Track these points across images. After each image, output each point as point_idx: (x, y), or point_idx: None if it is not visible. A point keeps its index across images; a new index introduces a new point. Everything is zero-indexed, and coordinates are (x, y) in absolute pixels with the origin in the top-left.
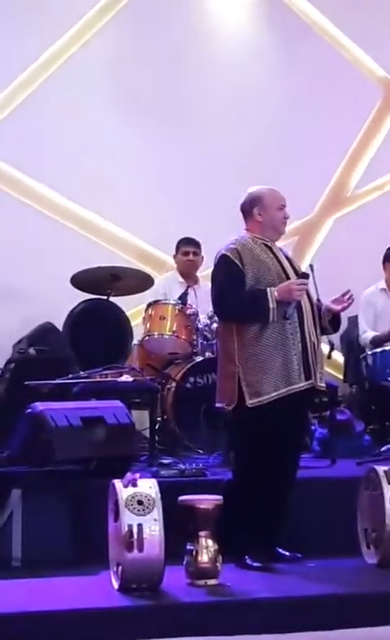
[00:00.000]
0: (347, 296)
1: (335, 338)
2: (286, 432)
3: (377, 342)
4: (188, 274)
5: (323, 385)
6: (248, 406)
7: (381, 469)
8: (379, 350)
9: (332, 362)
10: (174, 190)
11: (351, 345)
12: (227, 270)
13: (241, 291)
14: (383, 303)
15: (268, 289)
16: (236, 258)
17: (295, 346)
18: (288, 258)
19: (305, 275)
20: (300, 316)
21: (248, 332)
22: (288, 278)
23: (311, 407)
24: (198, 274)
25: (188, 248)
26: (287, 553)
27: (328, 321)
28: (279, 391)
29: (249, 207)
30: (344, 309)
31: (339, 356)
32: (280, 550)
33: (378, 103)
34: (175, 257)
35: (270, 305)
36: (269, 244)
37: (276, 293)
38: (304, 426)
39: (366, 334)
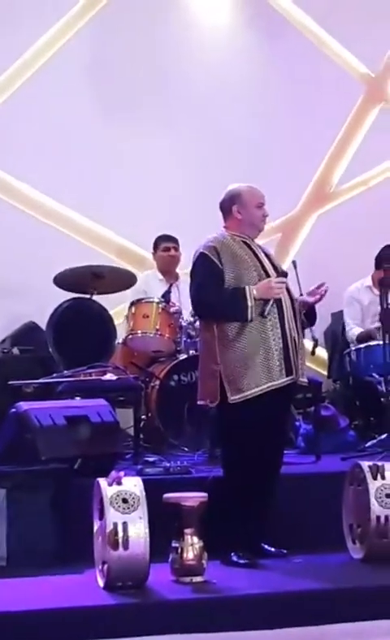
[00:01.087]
0: (322, 289)
1: (319, 334)
2: (269, 427)
3: (364, 339)
4: (168, 271)
5: (305, 380)
6: (230, 403)
7: (365, 464)
8: (362, 346)
9: (316, 358)
10: (155, 187)
11: (335, 341)
12: (206, 269)
13: (220, 289)
14: (369, 300)
15: (247, 287)
16: (215, 256)
17: (275, 342)
18: (267, 255)
19: (284, 274)
20: (280, 312)
21: (228, 330)
22: (267, 275)
23: (293, 402)
24: (179, 271)
25: (167, 244)
26: (272, 549)
27: (304, 314)
28: (261, 387)
29: (229, 205)
30: (317, 301)
31: (323, 352)
32: (266, 546)
33: (359, 99)
34: (154, 254)
35: (249, 304)
36: (248, 241)
37: (255, 291)
38: (287, 422)
39: (353, 330)
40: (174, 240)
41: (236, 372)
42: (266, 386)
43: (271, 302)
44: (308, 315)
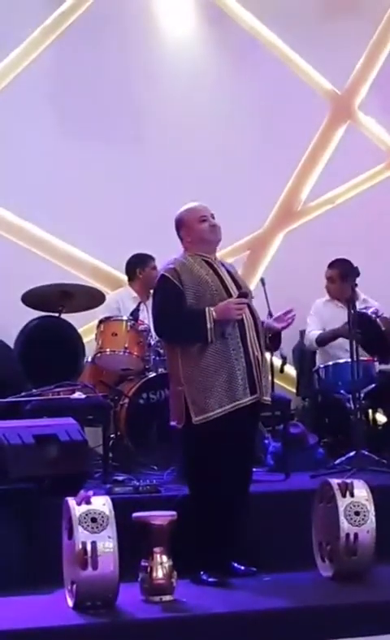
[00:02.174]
0: (289, 315)
1: (288, 351)
2: (235, 447)
3: (322, 340)
4: (150, 288)
5: (268, 399)
6: (194, 423)
7: (335, 481)
8: (331, 363)
9: (285, 376)
10: (125, 207)
11: (303, 359)
12: (166, 291)
13: (180, 311)
14: (330, 313)
15: (206, 309)
16: (175, 278)
17: (238, 362)
18: (231, 274)
19: (244, 294)
20: (242, 332)
21: (190, 351)
22: (229, 295)
23: (262, 420)
24: None
25: (154, 262)
26: (242, 567)
27: (269, 338)
28: (224, 407)
29: (178, 232)
30: (284, 327)
31: (291, 370)
32: (235, 564)
33: (326, 117)
34: (141, 272)
35: (208, 325)
36: (210, 260)
37: (214, 313)
38: (253, 440)
39: (312, 332)
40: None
41: (200, 392)
42: (229, 406)
43: (233, 323)
44: (272, 340)
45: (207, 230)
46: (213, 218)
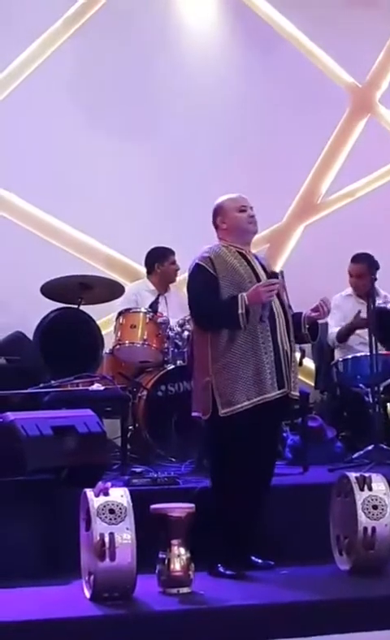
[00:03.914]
0: (325, 305)
1: (307, 345)
2: (259, 441)
3: (341, 336)
4: (170, 282)
5: (297, 394)
6: (220, 415)
7: (353, 475)
8: (350, 357)
9: (303, 369)
10: (143, 198)
11: (322, 352)
12: (201, 279)
13: (214, 298)
14: (351, 307)
15: (239, 295)
16: (210, 267)
17: (267, 355)
18: (263, 267)
19: (274, 275)
20: (272, 325)
21: (220, 342)
22: None
23: (286, 415)
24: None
25: (174, 257)
26: (260, 560)
27: (307, 329)
28: (252, 401)
29: (214, 219)
30: (320, 317)
31: (310, 363)
32: (253, 557)
33: (347, 110)
34: (160, 266)
35: (240, 311)
36: (243, 251)
37: (246, 298)
38: (278, 435)
39: (332, 329)
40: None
41: (227, 385)
42: (257, 399)
43: (268, 307)
44: (311, 330)
45: (245, 219)
46: (252, 210)
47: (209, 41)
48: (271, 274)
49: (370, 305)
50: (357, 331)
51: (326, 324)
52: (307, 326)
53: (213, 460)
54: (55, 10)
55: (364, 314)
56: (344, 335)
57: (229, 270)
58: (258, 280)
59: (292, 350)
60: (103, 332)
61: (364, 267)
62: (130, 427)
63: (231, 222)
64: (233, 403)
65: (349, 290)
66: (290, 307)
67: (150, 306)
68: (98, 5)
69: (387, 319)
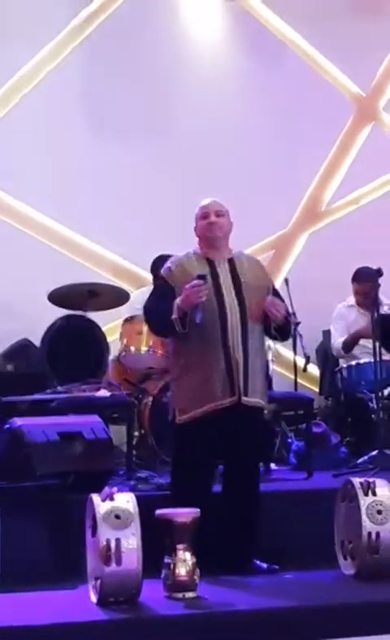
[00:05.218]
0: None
1: (311, 351)
2: (217, 447)
3: (346, 346)
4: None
5: (253, 400)
6: (177, 422)
7: (357, 480)
8: (353, 363)
9: (308, 375)
10: (150, 205)
11: (326, 358)
12: (158, 289)
13: (163, 307)
14: (354, 317)
15: (175, 301)
16: (169, 277)
17: (217, 363)
18: (235, 272)
19: (200, 277)
20: (224, 334)
21: (177, 351)
22: (219, 293)
23: (285, 419)
24: None
25: None
26: (264, 565)
27: (274, 329)
28: (203, 409)
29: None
30: (273, 315)
31: (314, 369)
32: (257, 562)
33: (351, 118)
34: None
35: (173, 316)
36: (214, 258)
37: (179, 302)
38: (250, 442)
39: (338, 340)
40: None
41: (180, 392)
42: (207, 407)
43: (200, 309)
44: (278, 330)
45: (205, 226)
46: (219, 215)
47: (215, 51)
48: (197, 277)
49: (373, 313)
50: (361, 342)
51: (329, 333)
52: (275, 326)
53: (173, 465)
54: (63, 19)
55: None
56: (350, 344)
57: (188, 280)
58: (217, 289)
59: (247, 358)
60: (109, 339)
61: (368, 286)
62: (136, 433)
63: (198, 229)
64: (185, 411)
65: (352, 300)
66: (294, 314)
67: None
68: (105, 14)
69: None
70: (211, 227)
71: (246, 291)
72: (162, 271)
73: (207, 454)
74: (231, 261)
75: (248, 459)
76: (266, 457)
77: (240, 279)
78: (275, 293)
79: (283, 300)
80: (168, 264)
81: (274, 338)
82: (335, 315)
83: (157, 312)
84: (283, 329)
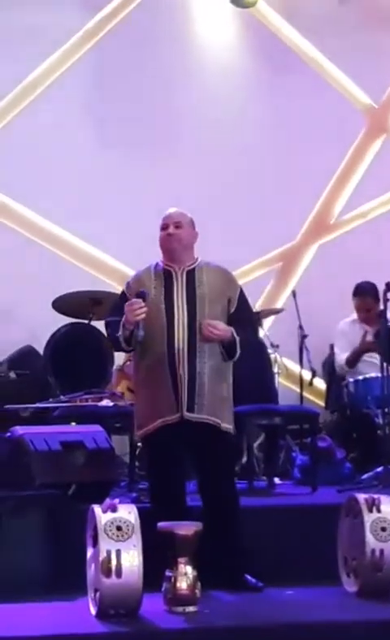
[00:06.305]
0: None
1: (317, 365)
2: (179, 461)
3: (350, 361)
4: None
5: (198, 416)
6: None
7: (361, 496)
8: (360, 378)
9: (314, 389)
10: (155, 214)
11: (333, 372)
12: (117, 304)
13: (112, 323)
14: (356, 333)
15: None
16: (127, 291)
17: (164, 379)
18: (192, 286)
19: (138, 295)
20: (170, 350)
21: (134, 366)
22: (170, 307)
23: (290, 433)
24: None
25: None
26: (253, 580)
27: (223, 346)
28: (154, 424)
29: None
30: (205, 337)
31: (321, 384)
32: (248, 577)
33: (362, 130)
34: None
35: (118, 333)
36: (174, 271)
37: (123, 320)
38: (204, 457)
39: (341, 356)
40: None
41: (138, 407)
42: (157, 422)
43: (141, 327)
44: (224, 348)
45: (162, 238)
46: (177, 227)
47: (226, 61)
48: (137, 295)
49: (379, 327)
50: (365, 357)
51: (333, 351)
52: (223, 346)
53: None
54: (72, 26)
55: (370, 336)
56: (353, 360)
57: None
58: (168, 302)
59: (196, 374)
60: None
61: (368, 300)
62: (138, 444)
63: (159, 240)
64: (141, 426)
65: (354, 315)
66: (301, 327)
67: None
68: (115, 21)
69: None
70: (169, 239)
71: (200, 304)
72: (124, 286)
73: (170, 466)
74: (190, 273)
75: (211, 474)
76: (236, 474)
77: (196, 292)
78: (241, 303)
79: (249, 309)
80: (129, 278)
81: (222, 355)
82: (338, 332)
83: (109, 328)
84: (228, 349)
